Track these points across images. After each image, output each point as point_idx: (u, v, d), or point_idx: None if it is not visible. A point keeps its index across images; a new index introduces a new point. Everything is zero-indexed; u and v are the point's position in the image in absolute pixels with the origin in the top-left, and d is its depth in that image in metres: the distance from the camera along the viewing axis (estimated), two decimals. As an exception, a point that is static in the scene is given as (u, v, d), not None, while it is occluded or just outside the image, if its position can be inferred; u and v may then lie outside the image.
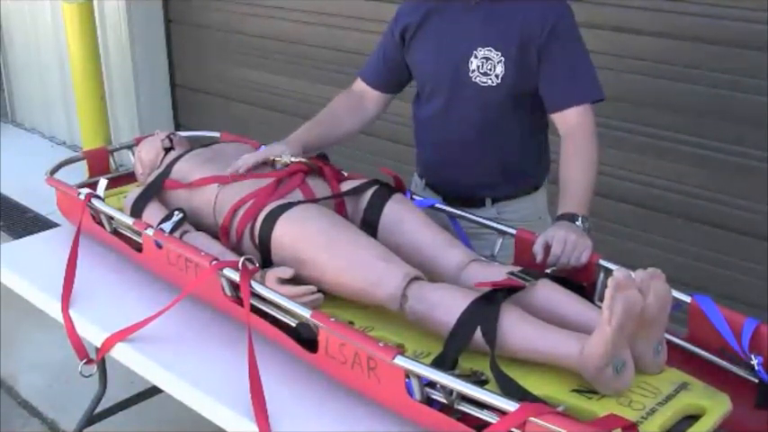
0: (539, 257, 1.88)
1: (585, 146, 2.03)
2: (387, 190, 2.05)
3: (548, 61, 2.03)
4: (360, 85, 2.33)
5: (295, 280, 1.82)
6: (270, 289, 1.77)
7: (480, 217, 2.14)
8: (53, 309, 2.10)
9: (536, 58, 2.04)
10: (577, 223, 1.92)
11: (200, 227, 2.07)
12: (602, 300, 1.52)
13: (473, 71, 2.07)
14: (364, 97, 2.32)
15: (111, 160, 2.56)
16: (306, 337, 1.70)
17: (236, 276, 1.79)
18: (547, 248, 1.87)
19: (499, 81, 2.06)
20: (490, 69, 2.06)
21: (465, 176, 2.21)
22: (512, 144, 2.16)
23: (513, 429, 1.39)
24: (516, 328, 1.60)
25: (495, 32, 2.06)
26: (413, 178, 2.38)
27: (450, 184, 2.24)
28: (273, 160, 2.18)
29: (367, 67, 2.33)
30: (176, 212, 2.05)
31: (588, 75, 2.07)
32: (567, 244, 1.85)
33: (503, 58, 2.04)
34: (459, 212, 2.16)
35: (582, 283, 1.87)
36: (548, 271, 1.84)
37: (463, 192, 2.22)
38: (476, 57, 2.07)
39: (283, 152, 2.15)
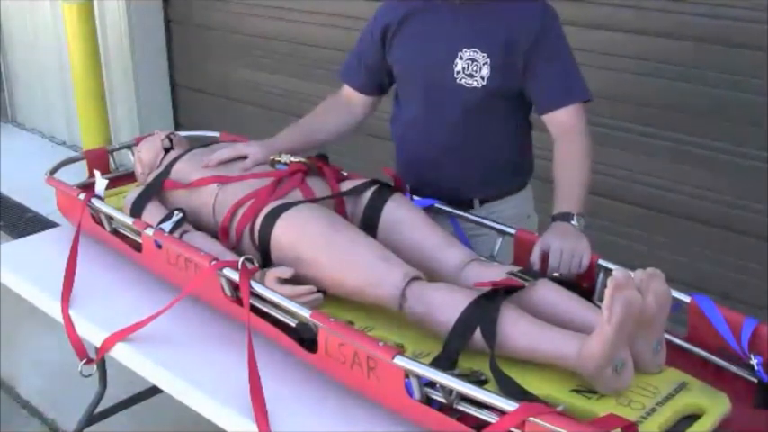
0: (536, 267, 1.88)
1: (579, 145, 2.02)
2: (386, 190, 2.05)
3: (536, 64, 2.02)
4: (345, 88, 2.31)
5: (295, 280, 1.82)
6: (269, 289, 1.77)
7: (477, 217, 2.14)
8: (53, 309, 2.10)
9: (522, 60, 2.02)
10: (572, 222, 1.91)
11: (199, 227, 2.07)
12: (601, 299, 1.53)
13: (458, 72, 2.06)
14: (351, 100, 2.30)
15: (111, 160, 2.56)
16: (305, 337, 1.70)
17: (235, 276, 1.79)
18: (544, 258, 1.87)
19: (485, 83, 2.04)
20: (475, 71, 2.04)
21: (450, 179, 2.19)
22: (496, 144, 2.15)
23: (512, 429, 1.39)
24: (516, 328, 1.60)
25: (480, 33, 2.04)
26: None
27: (435, 186, 2.21)
28: (273, 160, 2.19)
29: (347, 69, 2.31)
30: (176, 212, 2.05)
31: (577, 75, 2.07)
32: (564, 254, 1.85)
33: (488, 59, 2.03)
34: (458, 212, 2.16)
35: (581, 283, 1.87)
36: (555, 274, 1.84)
37: (450, 194, 2.19)
38: (461, 58, 2.05)
39: (255, 152, 2.16)
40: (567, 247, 1.85)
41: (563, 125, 2.03)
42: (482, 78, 2.04)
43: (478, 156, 2.15)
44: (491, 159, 2.16)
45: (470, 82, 2.05)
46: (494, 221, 2.12)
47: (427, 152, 2.19)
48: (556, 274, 1.83)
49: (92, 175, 2.48)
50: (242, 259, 1.81)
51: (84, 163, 2.55)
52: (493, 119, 2.11)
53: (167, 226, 2.01)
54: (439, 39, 2.08)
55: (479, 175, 2.18)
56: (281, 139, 2.25)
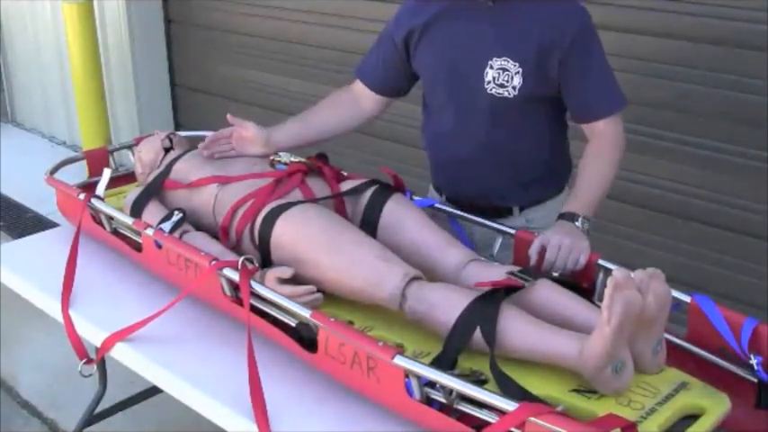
0: (533, 260, 1.88)
1: (608, 150, 1.99)
2: (386, 190, 2.04)
3: (572, 73, 1.96)
4: (358, 84, 2.25)
5: (295, 280, 1.82)
6: (269, 289, 1.77)
7: (504, 224, 2.10)
8: (53, 309, 2.10)
9: (556, 67, 1.95)
10: (577, 224, 1.91)
11: (199, 227, 2.07)
12: (601, 299, 1.53)
13: (488, 82, 1.98)
14: (361, 97, 2.24)
15: (111, 160, 2.56)
16: (306, 337, 1.70)
17: (235, 276, 1.79)
18: (542, 252, 1.87)
19: (516, 93, 1.97)
20: (507, 81, 1.97)
21: (485, 187, 2.13)
22: (530, 151, 2.09)
23: (512, 429, 1.39)
24: (515, 328, 1.61)
25: (511, 40, 1.96)
26: (429, 191, 2.30)
27: (471, 196, 2.15)
28: (273, 160, 2.19)
29: (364, 67, 2.24)
30: (176, 212, 2.05)
31: (613, 83, 2.01)
32: (562, 249, 1.84)
33: (520, 69, 1.95)
34: (458, 212, 2.16)
35: (581, 283, 1.87)
36: (555, 274, 1.84)
37: (487, 203, 2.14)
38: (491, 67, 1.97)
39: (244, 121, 2.18)
40: (565, 243, 1.85)
41: (600, 133, 2.00)
42: (513, 88, 1.97)
43: (512, 164, 2.09)
44: (525, 167, 2.10)
45: (501, 92, 1.98)
46: (498, 223, 2.10)
47: (459, 161, 2.13)
48: (555, 274, 1.84)
49: (92, 175, 2.49)
50: (242, 259, 1.81)
51: (84, 163, 2.55)
52: (526, 127, 2.05)
53: (167, 226, 2.02)
54: (468, 46, 2.00)
55: (514, 182, 2.12)
56: (283, 131, 2.22)
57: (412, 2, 2.12)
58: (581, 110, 2.03)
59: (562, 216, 1.94)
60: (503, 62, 1.96)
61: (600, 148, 2.00)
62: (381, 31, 2.20)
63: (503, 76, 1.97)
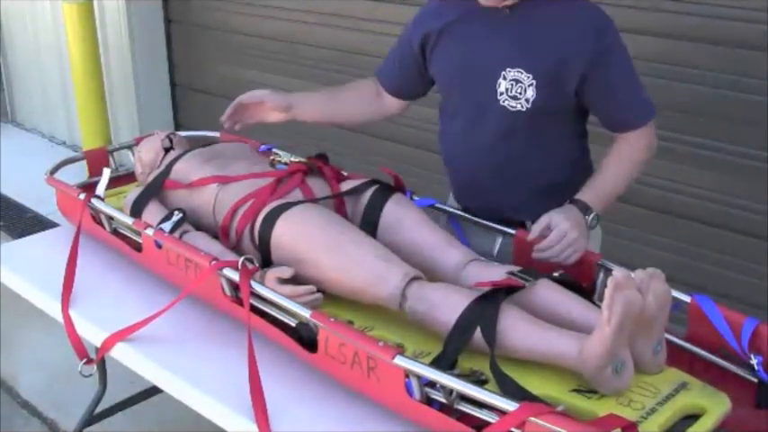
0: (533, 235, 1.87)
1: (634, 152, 1.95)
2: (386, 190, 2.04)
3: (598, 87, 1.90)
4: (378, 84, 2.23)
5: (295, 280, 1.82)
6: (269, 289, 1.77)
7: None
8: (53, 309, 2.10)
9: (576, 80, 1.88)
10: (588, 218, 1.89)
11: (199, 227, 2.07)
12: (601, 299, 1.53)
13: (501, 93, 1.92)
14: (383, 94, 2.22)
15: (111, 160, 2.56)
16: (306, 337, 1.70)
17: (235, 276, 1.79)
18: (544, 233, 1.86)
19: (529, 105, 1.90)
20: (520, 93, 1.90)
21: (497, 200, 2.08)
22: (543, 164, 2.02)
23: (512, 429, 1.39)
24: (516, 328, 1.61)
25: (526, 51, 1.89)
26: (449, 198, 2.26)
27: (484, 207, 2.10)
28: (273, 160, 2.19)
29: (383, 69, 2.21)
30: (176, 212, 2.05)
31: (642, 94, 1.95)
32: (564, 240, 1.84)
33: (534, 81, 1.88)
34: (459, 212, 2.16)
35: (581, 283, 1.88)
36: (555, 274, 1.84)
37: (500, 215, 2.08)
38: (504, 78, 1.90)
39: (262, 95, 2.24)
40: (571, 236, 1.84)
41: (630, 140, 1.96)
42: (527, 101, 1.90)
43: (525, 177, 2.02)
44: (539, 181, 2.03)
45: (514, 104, 1.91)
46: (494, 222, 2.10)
47: (471, 172, 2.07)
48: (555, 274, 1.83)
49: (92, 175, 2.49)
50: (242, 259, 1.81)
51: (84, 163, 2.55)
52: (539, 140, 1.98)
53: (167, 226, 2.02)
54: (481, 55, 1.94)
55: (527, 196, 2.04)
56: (309, 101, 2.24)
57: (431, 5, 2.08)
58: (610, 123, 1.98)
59: (575, 202, 1.91)
60: (516, 73, 1.90)
61: (626, 149, 1.96)
62: (401, 32, 2.17)
63: (516, 88, 1.90)
